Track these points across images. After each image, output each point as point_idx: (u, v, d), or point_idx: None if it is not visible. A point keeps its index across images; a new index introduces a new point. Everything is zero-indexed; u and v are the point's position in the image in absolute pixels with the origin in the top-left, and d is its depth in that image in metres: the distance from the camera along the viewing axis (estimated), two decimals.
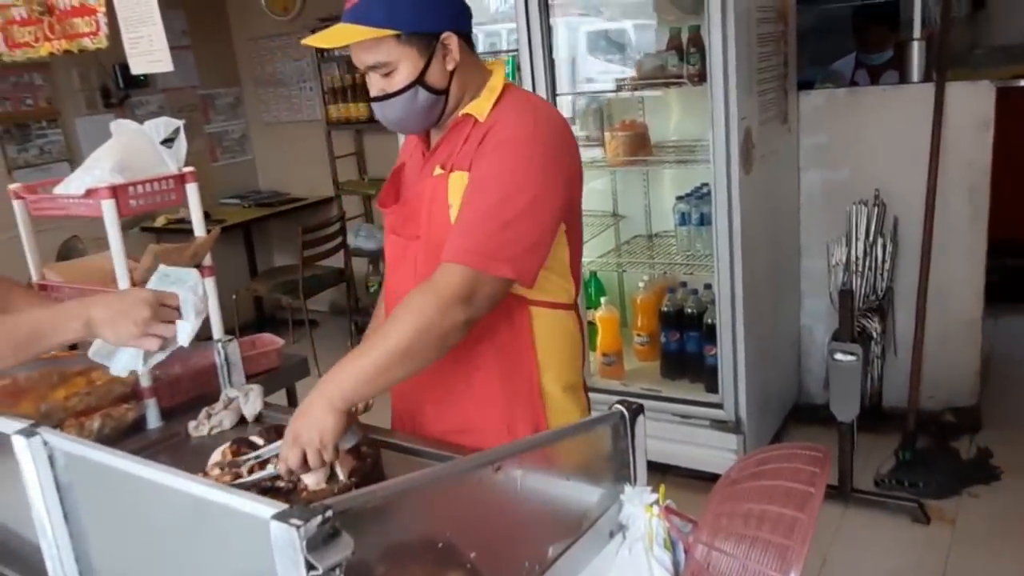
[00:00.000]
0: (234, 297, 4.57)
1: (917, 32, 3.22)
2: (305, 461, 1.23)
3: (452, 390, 1.45)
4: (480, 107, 1.37)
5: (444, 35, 1.33)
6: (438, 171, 1.39)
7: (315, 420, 1.21)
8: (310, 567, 0.73)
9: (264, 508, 0.76)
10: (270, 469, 1.30)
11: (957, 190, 3.05)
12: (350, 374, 1.24)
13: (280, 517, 0.74)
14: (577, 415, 1.51)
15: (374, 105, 1.38)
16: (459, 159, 1.36)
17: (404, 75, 1.32)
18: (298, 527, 0.72)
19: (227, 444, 1.38)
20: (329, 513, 0.74)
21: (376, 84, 1.35)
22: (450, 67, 1.35)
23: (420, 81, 1.33)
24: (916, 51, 3.20)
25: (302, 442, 1.21)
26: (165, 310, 1.31)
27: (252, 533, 0.76)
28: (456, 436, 1.45)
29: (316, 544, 0.73)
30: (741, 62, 2.63)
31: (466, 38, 1.39)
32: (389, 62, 1.31)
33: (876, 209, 3.05)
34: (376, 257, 4.86)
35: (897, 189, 3.11)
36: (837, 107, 3.25)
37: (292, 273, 4.53)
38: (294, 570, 0.73)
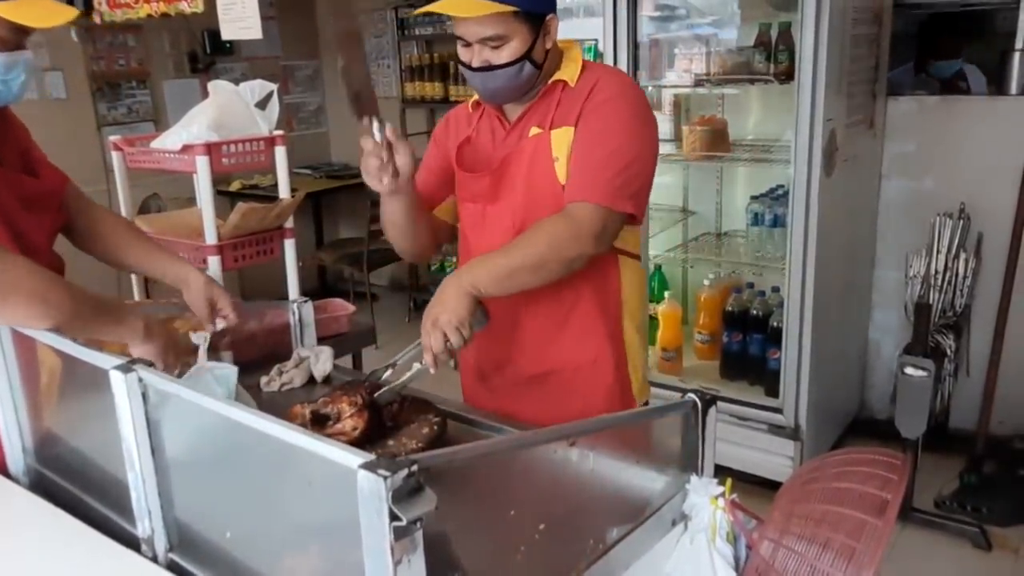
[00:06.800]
0: (300, 264, 4.65)
1: (1020, 43, 3.09)
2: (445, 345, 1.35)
3: (551, 330, 1.58)
4: (569, 74, 1.52)
5: (549, 16, 1.46)
6: (535, 131, 1.51)
7: (451, 304, 1.36)
8: (394, 517, 0.74)
9: (352, 457, 0.78)
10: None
11: None
12: (484, 268, 1.40)
13: (368, 467, 0.75)
14: (643, 352, 1.67)
15: (474, 75, 1.47)
16: (559, 116, 1.49)
17: (513, 49, 1.43)
18: (385, 478, 0.73)
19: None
20: (415, 467, 0.75)
21: (480, 55, 1.45)
22: (548, 46, 1.49)
23: (527, 56, 1.44)
24: (1017, 62, 3.07)
25: (441, 324, 1.35)
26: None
27: (338, 481, 0.78)
28: (549, 377, 1.59)
29: (401, 496, 0.74)
30: (832, 62, 2.57)
31: None
32: (505, 35, 1.42)
33: (961, 222, 2.95)
34: None
35: (984, 203, 2.99)
36: (927, 115, 3.14)
37: (357, 246, 4.60)
38: (378, 519, 0.74)
